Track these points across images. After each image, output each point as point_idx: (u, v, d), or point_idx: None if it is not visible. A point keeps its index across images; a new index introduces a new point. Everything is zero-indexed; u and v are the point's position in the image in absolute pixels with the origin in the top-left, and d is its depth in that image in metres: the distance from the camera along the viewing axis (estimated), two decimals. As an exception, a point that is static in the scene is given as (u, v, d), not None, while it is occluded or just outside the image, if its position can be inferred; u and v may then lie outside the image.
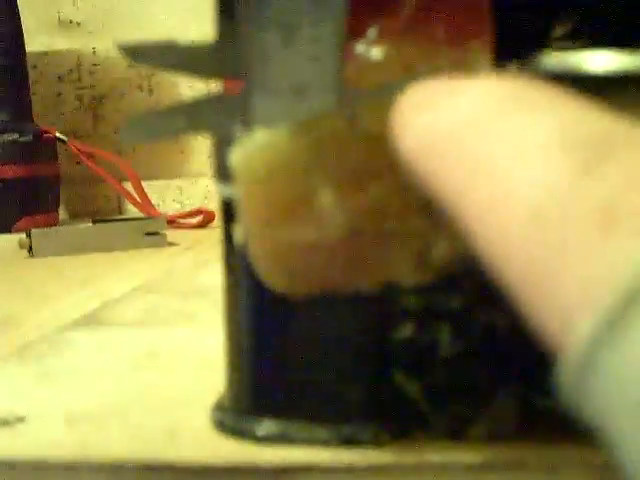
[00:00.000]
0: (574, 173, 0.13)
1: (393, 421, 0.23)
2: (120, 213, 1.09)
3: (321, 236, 0.20)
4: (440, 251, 0.21)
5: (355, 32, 0.21)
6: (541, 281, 0.13)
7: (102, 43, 1.13)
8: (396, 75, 0.21)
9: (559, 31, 0.23)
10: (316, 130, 0.20)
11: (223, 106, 0.21)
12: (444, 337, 0.22)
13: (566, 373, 0.12)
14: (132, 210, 1.00)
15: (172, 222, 0.85)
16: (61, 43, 1.14)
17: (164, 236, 0.72)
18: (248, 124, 0.20)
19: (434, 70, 0.20)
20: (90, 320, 0.42)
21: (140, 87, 1.11)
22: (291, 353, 0.23)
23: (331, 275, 0.21)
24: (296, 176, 0.20)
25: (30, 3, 1.08)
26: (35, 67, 1.11)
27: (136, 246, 0.71)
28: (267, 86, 0.20)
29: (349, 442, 0.23)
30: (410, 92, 0.18)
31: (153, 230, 0.71)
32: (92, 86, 1.13)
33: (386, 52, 0.21)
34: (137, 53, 0.22)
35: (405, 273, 0.21)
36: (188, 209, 1.01)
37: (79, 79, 1.13)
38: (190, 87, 1.07)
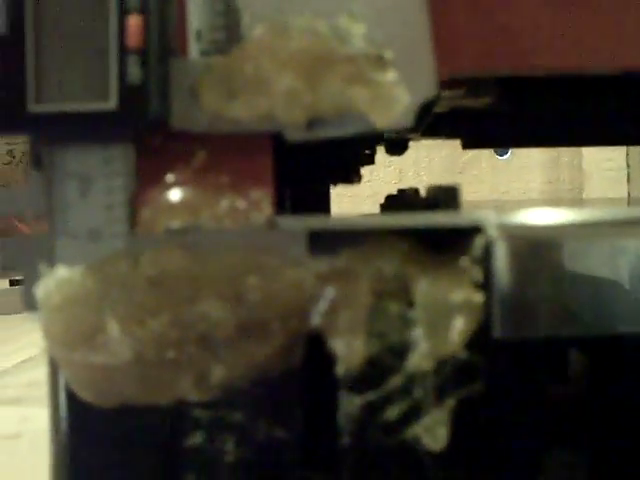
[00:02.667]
0: None
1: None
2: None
3: (113, 359, 0.23)
4: (217, 373, 0.24)
5: (148, 179, 0.24)
6: None
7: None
8: (183, 219, 0.24)
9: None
10: (104, 270, 0.23)
11: (31, 246, 0.24)
12: (229, 445, 0.25)
13: None
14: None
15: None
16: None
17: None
18: (51, 262, 0.24)
19: (214, 217, 0.24)
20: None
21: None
22: (102, 457, 0.26)
23: (128, 391, 0.24)
24: (89, 308, 0.23)
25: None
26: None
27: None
28: (67, 230, 0.23)
29: None
30: None
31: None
32: None
33: (176, 197, 0.24)
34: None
35: (188, 391, 0.24)
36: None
37: None
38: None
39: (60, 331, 0.24)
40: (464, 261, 0.23)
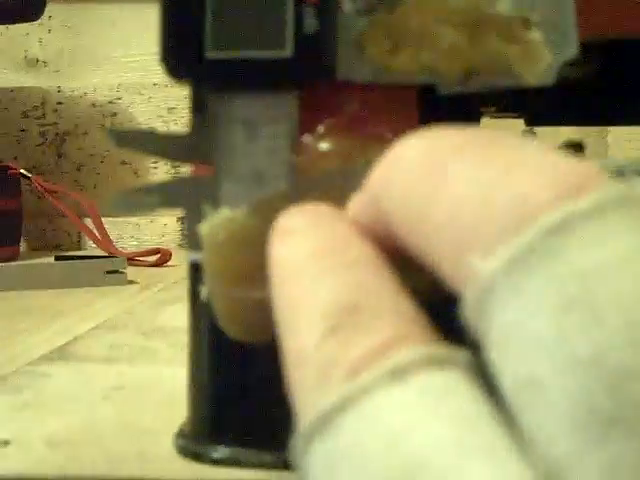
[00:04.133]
0: (323, 335, 0.18)
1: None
2: (80, 248, 1.13)
3: (270, 295, 0.25)
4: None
5: (306, 128, 0.26)
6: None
7: (67, 82, 1.17)
8: (338, 165, 0.25)
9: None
10: (269, 210, 0.25)
11: (194, 187, 0.26)
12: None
13: None
14: (92, 245, 1.03)
15: (130, 259, 0.88)
16: (27, 81, 1.17)
17: (124, 275, 0.76)
18: (215, 203, 0.25)
19: (367, 163, 0.25)
20: (60, 355, 0.46)
21: (103, 126, 1.15)
22: (245, 390, 0.28)
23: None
24: (253, 247, 0.25)
25: (-1, 42, 1.12)
26: (0, 102, 1.15)
27: (97, 284, 0.74)
28: (232, 173, 0.25)
29: (292, 467, 0.27)
30: (281, 218, 0.22)
31: (114, 269, 0.75)
32: (56, 124, 1.17)
33: (331, 145, 0.26)
34: (122, 138, 0.26)
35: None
36: (145, 246, 1.06)
37: (44, 116, 1.17)
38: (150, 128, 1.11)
39: (222, 267, 0.25)
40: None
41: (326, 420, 0.16)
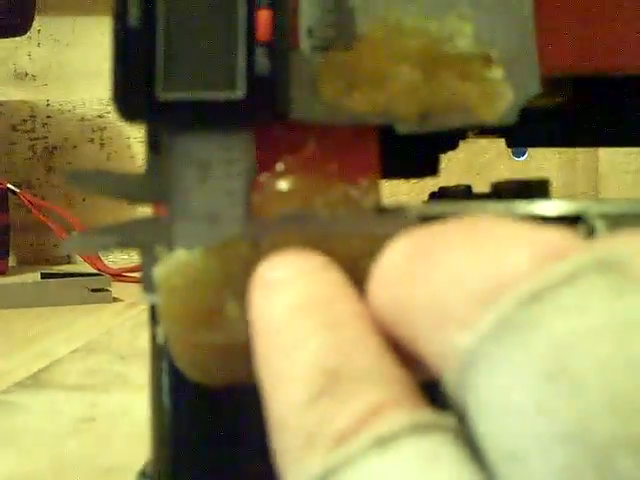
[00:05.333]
0: (305, 403, 0.17)
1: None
2: (70, 262, 1.13)
3: (229, 340, 0.25)
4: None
5: (264, 166, 0.25)
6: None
7: (56, 95, 1.16)
8: (296, 206, 0.25)
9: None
10: (225, 253, 0.24)
11: (150, 228, 0.25)
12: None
13: None
14: (80, 260, 1.03)
15: (118, 275, 0.88)
16: (16, 94, 1.17)
17: (109, 293, 0.75)
18: (170, 245, 0.25)
19: (327, 204, 0.25)
20: (34, 382, 0.46)
21: (92, 140, 1.15)
22: (205, 433, 0.27)
23: (239, 371, 0.26)
24: (208, 290, 0.24)
25: (-13, 57, 1.12)
26: (-11, 117, 1.15)
27: (82, 301, 0.74)
28: (187, 214, 0.25)
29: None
30: (263, 269, 0.22)
31: (99, 287, 0.75)
32: (45, 137, 1.16)
33: (289, 185, 0.25)
34: (79, 178, 0.25)
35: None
36: (135, 261, 1.05)
37: (33, 130, 1.17)
38: (140, 142, 1.11)
39: (179, 312, 0.25)
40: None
41: None
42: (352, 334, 0.18)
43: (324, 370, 0.18)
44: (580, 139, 0.43)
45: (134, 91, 0.24)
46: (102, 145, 1.15)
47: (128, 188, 0.25)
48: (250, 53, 0.23)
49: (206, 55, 0.24)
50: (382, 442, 0.16)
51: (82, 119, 1.15)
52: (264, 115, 0.23)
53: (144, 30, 0.23)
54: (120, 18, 0.24)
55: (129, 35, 0.24)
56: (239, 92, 0.23)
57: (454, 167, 1.18)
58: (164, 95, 0.23)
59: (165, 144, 0.25)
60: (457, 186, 0.39)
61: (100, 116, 1.15)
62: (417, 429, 0.16)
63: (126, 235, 0.25)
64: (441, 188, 0.39)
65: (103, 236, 0.25)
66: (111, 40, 0.24)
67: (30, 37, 1.12)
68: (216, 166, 0.24)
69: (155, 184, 0.25)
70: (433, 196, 0.38)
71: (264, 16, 0.23)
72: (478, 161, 1.20)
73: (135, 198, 0.26)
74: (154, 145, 0.25)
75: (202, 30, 0.24)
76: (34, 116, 1.16)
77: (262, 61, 0.23)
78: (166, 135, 0.24)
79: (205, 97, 0.23)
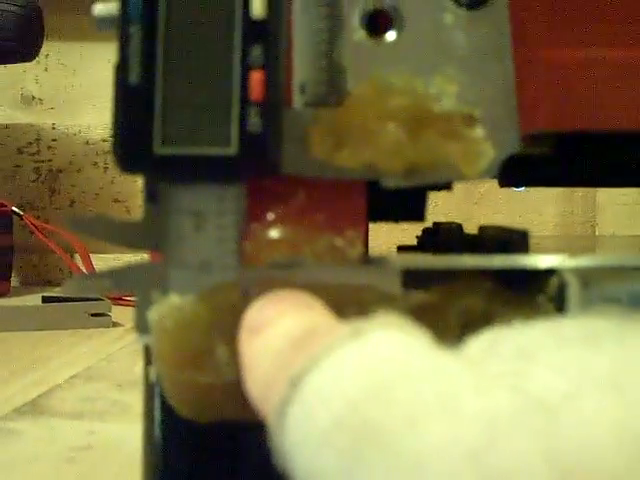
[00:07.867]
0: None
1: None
2: (70, 284, 1.14)
3: (218, 380, 0.26)
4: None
5: (255, 215, 0.27)
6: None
7: (62, 119, 1.18)
8: (284, 254, 0.26)
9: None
10: (216, 298, 0.26)
11: (145, 273, 0.26)
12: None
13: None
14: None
15: (118, 299, 0.89)
16: (22, 117, 1.19)
17: (109, 317, 0.76)
18: (164, 289, 0.26)
19: (314, 253, 0.26)
20: (32, 409, 0.47)
21: (96, 164, 1.16)
22: (196, 470, 0.29)
23: (229, 408, 0.27)
24: (198, 333, 0.26)
25: (-6, 80, 1.14)
26: (-5, 140, 1.16)
27: (82, 326, 0.75)
28: (181, 261, 0.26)
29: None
30: (250, 313, 0.24)
31: (99, 312, 0.76)
32: (50, 160, 1.18)
33: (279, 233, 0.27)
34: (78, 224, 0.27)
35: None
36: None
37: (38, 153, 1.18)
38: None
39: (170, 352, 0.26)
40: (541, 299, 0.26)
41: (295, 383, 0.20)
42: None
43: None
44: (568, 181, 0.44)
45: (133, 145, 0.25)
46: (106, 169, 1.17)
47: (126, 235, 0.27)
48: (243, 112, 0.24)
49: (202, 113, 0.25)
50: (356, 333, 0.20)
51: (87, 143, 1.17)
52: (256, 170, 0.25)
53: (144, 87, 0.25)
54: (121, 74, 0.25)
55: (129, 91, 0.25)
56: (232, 149, 0.24)
57: (452, 197, 1.20)
58: (162, 150, 0.25)
59: (162, 195, 0.26)
60: (450, 223, 0.40)
61: (104, 140, 1.17)
62: (390, 325, 0.21)
63: (123, 279, 0.26)
64: (435, 224, 0.40)
65: (102, 280, 0.27)
66: (112, 95, 0.25)
67: (38, 61, 1.13)
68: (209, 216, 0.26)
69: (151, 232, 0.26)
70: (426, 232, 0.39)
71: (257, 77, 0.24)
72: (477, 190, 1.21)
73: (132, 245, 0.27)
74: (151, 195, 0.27)
75: (199, 88, 0.25)
76: (39, 139, 1.18)
77: (254, 120, 0.24)
78: (163, 187, 0.26)
79: (200, 152, 0.25)
